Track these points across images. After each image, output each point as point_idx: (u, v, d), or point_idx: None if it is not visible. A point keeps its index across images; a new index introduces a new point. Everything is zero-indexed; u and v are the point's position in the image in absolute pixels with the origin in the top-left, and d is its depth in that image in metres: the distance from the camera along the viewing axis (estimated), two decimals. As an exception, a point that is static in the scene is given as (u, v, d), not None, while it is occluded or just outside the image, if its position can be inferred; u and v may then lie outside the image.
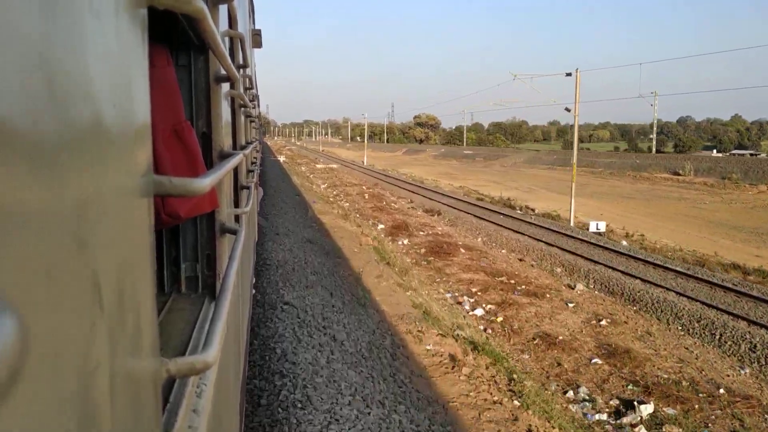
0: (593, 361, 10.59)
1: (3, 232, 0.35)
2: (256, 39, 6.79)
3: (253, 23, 7.27)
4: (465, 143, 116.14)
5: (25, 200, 0.39)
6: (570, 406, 9.04)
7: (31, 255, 0.39)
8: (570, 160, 55.90)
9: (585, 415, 8.88)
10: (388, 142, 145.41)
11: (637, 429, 8.46)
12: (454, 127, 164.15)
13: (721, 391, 9.69)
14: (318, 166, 58.02)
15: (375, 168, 60.41)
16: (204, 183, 1.00)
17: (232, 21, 2.49)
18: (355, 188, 36.40)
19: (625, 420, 8.64)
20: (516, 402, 7.29)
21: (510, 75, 33.64)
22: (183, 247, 2.12)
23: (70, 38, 0.47)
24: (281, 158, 58.86)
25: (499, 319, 12.62)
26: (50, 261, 0.43)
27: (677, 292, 14.26)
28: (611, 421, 8.68)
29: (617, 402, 9.26)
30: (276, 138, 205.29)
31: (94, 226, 0.52)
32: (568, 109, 29.85)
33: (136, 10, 0.71)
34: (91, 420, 0.50)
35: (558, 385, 9.80)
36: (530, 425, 6.63)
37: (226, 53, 1.55)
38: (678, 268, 16.49)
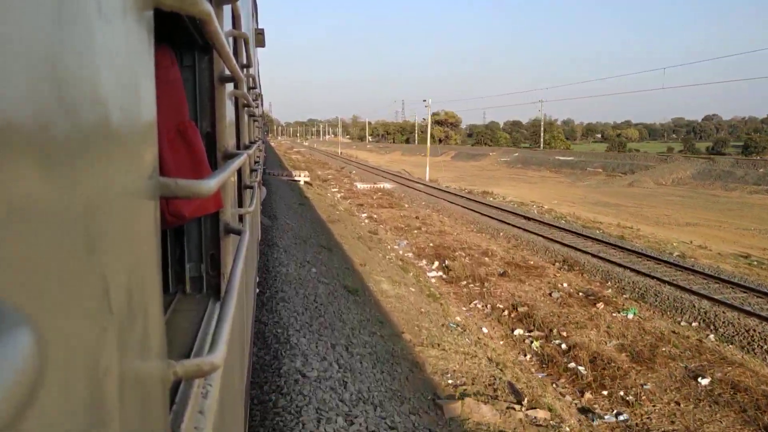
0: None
1: (16, 237, 0.35)
2: (260, 38, 6.81)
3: (257, 22, 7.27)
4: (542, 143, 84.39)
5: (35, 204, 0.38)
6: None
7: (43, 261, 0.39)
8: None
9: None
10: (409, 142, 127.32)
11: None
12: (467, 126, 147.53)
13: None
14: (360, 186, 35.73)
15: (448, 186, 36.92)
16: (210, 185, 1.00)
17: (236, 21, 2.49)
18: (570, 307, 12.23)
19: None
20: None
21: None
22: (187, 247, 2.12)
23: (78, 41, 0.47)
24: (301, 178, 32.41)
25: None
26: (62, 266, 0.43)
27: None
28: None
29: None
30: (280, 138, 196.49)
31: (103, 230, 0.52)
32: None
33: (142, 12, 0.71)
34: (102, 423, 0.50)
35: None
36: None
37: (231, 54, 1.55)
38: None
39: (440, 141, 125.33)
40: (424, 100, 49.22)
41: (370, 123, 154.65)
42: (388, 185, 37.01)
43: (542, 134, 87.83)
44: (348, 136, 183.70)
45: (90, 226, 0.49)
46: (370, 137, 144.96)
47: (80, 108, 0.47)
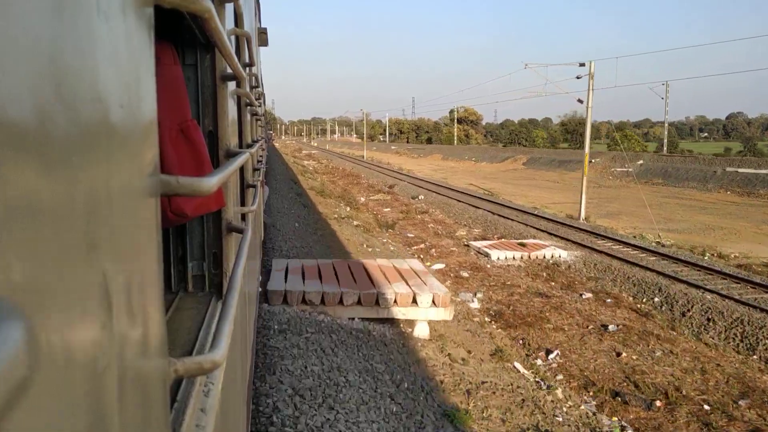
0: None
1: (14, 233, 0.35)
2: (262, 37, 6.81)
3: (259, 21, 7.27)
4: (666, 147, 55.63)
5: (34, 201, 0.38)
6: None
7: (41, 257, 0.39)
8: None
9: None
10: (430, 141, 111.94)
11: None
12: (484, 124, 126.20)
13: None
14: (493, 255, 15.16)
15: (650, 242, 18.07)
16: (211, 182, 1.00)
17: (238, 19, 2.49)
18: None
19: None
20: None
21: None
22: (190, 245, 2.12)
23: (79, 39, 0.47)
24: (417, 318, 7.55)
25: None
26: (61, 264, 0.43)
27: None
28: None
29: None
30: (284, 137, 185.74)
31: (102, 227, 0.52)
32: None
33: (142, 9, 0.71)
34: (101, 421, 0.50)
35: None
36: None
37: (233, 52, 1.55)
38: None
39: (460, 140, 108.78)
40: (580, 64, 22.58)
41: (380, 121, 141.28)
42: (557, 252, 15.84)
43: (666, 135, 57.12)
44: (355, 135, 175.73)
45: (90, 224, 0.49)
46: (380, 136, 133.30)
47: (80, 106, 0.47)
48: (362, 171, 46.54)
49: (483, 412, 6.20)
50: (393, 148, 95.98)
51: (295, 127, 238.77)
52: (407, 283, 7.86)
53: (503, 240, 17.76)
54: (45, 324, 0.39)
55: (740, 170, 37.35)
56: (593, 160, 45.75)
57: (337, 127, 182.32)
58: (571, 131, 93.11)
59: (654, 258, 15.73)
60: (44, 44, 0.41)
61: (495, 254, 15.40)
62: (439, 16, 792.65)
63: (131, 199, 0.65)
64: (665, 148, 56.28)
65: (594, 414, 7.16)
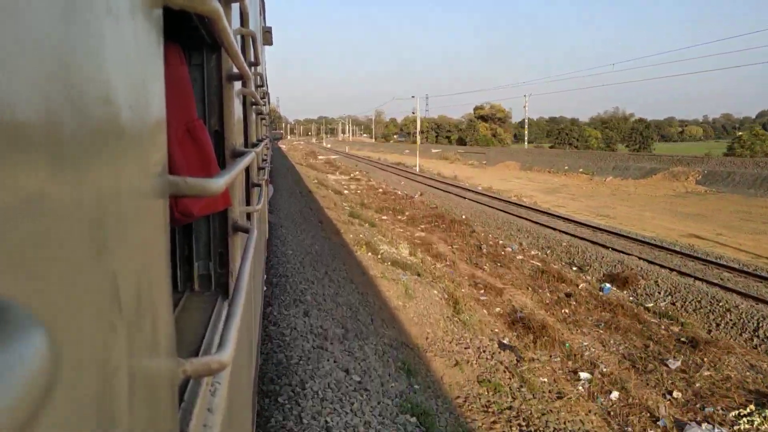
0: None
1: (23, 236, 0.35)
2: (267, 36, 6.84)
3: (264, 21, 7.28)
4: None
5: (45, 203, 0.38)
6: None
7: (53, 260, 0.39)
8: None
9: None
10: (462, 142, 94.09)
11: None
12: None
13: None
14: None
15: None
16: (218, 183, 1.00)
17: (243, 19, 2.50)
18: None
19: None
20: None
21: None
22: (196, 245, 2.13)
23: (88, 40, 0.47)
24: None
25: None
26: (71, 265, 0.43)
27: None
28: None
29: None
30: (289, 137, 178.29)
31: (112, 228, 0.52)
32: None
33: (151, 10, 0.71)
34: (112, 422, 0.50)
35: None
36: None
37: (239, 52, 1.55)
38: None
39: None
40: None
41: (395, 120, 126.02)
42: None
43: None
44: (365, 135, 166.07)
45: (99, 225, 0.49)
46: (395, 136, 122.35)
47: (89, 107, 0.47)
48: (447, 202, 26.16)
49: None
50: (435, 151, 73.89)
51: (302, 126, 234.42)
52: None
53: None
54: (59, 327, 0.39)
55: None
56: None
57: (348, 127, 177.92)
58: (622, 130, 75.87)
59: None
60: (53, 45, 0.41)
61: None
62: (442, 16, 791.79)
63: (140, 200, 0.65)
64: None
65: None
